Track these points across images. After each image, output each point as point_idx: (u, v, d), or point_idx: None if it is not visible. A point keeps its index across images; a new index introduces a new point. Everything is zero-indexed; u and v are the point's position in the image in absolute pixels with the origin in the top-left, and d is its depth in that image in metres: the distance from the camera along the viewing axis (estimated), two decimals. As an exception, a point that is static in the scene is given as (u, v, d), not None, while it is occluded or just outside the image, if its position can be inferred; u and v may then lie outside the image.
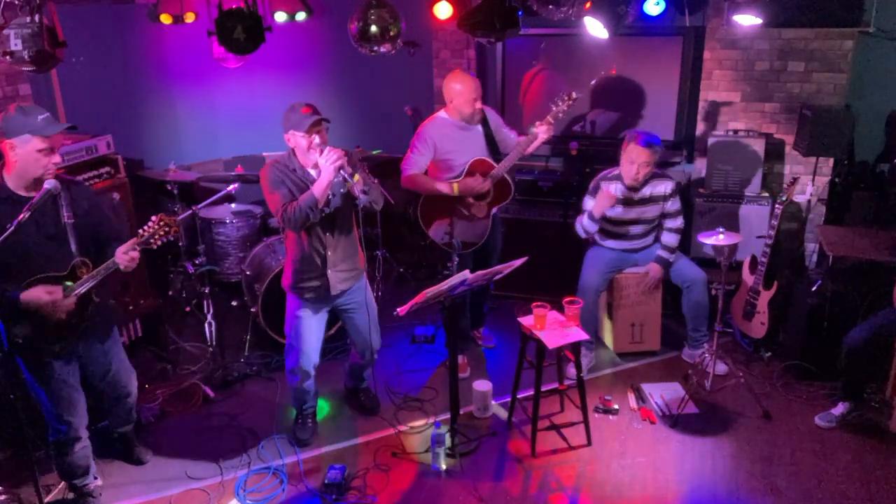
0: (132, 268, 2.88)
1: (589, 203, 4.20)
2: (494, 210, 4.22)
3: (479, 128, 4.09)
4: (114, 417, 3.50)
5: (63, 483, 3.35)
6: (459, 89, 3.92)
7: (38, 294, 2.75)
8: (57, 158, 2.79)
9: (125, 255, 2.84)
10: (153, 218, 2.90)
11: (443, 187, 3.99)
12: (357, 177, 3.13)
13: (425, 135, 4.02)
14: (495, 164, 4.03)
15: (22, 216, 2.61)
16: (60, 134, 2.78)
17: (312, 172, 3.29)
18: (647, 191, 4.11)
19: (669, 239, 4.21)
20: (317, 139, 3.18)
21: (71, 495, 3.31)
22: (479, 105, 3.97)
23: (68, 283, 2.85)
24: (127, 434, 3.57)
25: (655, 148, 3.95)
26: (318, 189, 3.14)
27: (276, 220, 3.29)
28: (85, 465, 3.24)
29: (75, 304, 2.86)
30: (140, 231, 2.89)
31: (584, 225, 4.18)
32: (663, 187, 4.12)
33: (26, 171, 2.75)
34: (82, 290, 2.86)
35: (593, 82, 5.29)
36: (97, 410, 3.34)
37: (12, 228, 2.58)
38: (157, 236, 2.87)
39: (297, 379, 3.60)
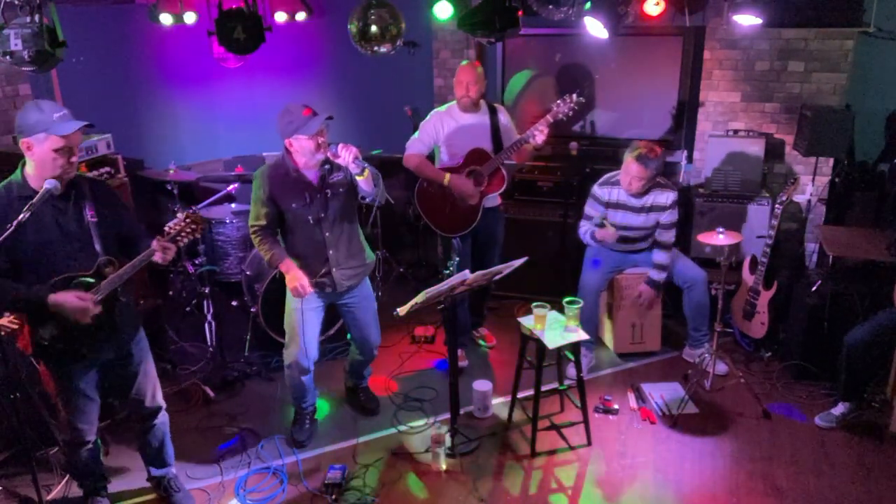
0: (168, 260, 2.77)
1: (590, 209, 4.22)
2: (498, 202, 4.28)
3: (486, 120, 4.12)
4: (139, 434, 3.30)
5: (63, 481, 3.35)
6: (457, 75, 4.02)
7: (67, 298, 2.60)
8: (75, 159, 2.62)
9: (162, 246, 2.73)
10: (179, 215, 2.83)
11: (437, 175, 4.06)
12: (367, 172, 3.19)
13: (431, 121, 4.13)
14: (492, 155, 4.06)
15: (22, 216, 2.50)
16: (79, 132, 2.61)
17: (307, 173, 3.31)
18: (648, 200, 4.11)
19: (660, 257, 4.18)
20: (321, 139, 3.17)
21: (75, 492, 3.31)
22: (464, 91, 3.99)
23: (94, 281, 2.70)
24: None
25: (648, 163, 3.93)
26: (288, 268, 3.34)
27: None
28: (96, 471, 3.21)
29: (102, 307, 2.69)
30: (166, 228, 2.79)
31: (588, 243, 4.31)
32: (664, 198, 4.11)
33: (44, 171, 2.57)
34: (113, 286, 2.71)
35: (593, 82, 5.30)
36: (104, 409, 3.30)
37: (13, 228, 2.49)
38: (183, 234, 2.79)
39: (296, 373, 3.59)
